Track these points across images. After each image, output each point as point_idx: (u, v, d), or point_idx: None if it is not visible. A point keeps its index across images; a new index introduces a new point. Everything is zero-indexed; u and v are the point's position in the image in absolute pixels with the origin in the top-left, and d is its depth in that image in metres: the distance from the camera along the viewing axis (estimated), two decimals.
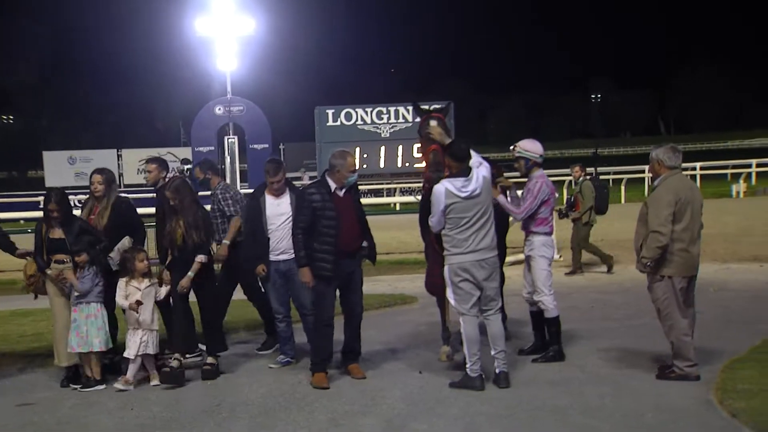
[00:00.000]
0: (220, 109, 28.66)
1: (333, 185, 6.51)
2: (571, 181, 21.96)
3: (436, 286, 6.93)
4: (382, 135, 18.40)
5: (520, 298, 8.36)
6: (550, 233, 7.12)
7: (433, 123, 6.88)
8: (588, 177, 13.14)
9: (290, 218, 6.87)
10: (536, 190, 6.99)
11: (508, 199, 7.09)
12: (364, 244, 6.61)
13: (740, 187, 29.28)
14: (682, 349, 6.24)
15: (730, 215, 19.24)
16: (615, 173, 37.97)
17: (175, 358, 6.74)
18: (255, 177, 25.96)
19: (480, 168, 6.35)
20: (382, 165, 18.17)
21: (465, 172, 6.30)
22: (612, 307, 9.77)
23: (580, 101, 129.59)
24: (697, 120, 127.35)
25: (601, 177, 33.32)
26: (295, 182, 7.47)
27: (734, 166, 36.58)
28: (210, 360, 6.99)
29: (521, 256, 7.68)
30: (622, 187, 30.49)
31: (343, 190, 6.53)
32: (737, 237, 15.37)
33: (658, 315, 6.38)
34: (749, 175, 33.85)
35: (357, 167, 6.59)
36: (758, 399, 5.48)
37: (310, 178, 41.20)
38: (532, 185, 7.03)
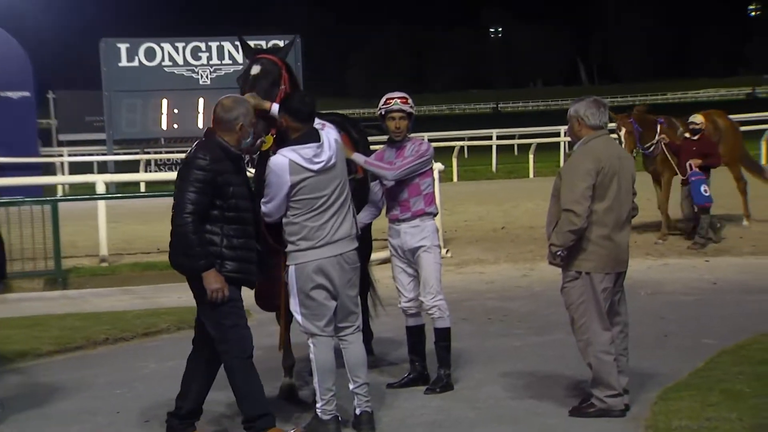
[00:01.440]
0: None
1: (231, 148, 6.08)
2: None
3: (269, 297, 6.86)
4: (201, 82, 17.92)
5: (390, 309, 8.42)
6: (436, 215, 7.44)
7: (255, 70, 6.81)
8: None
9: None
10: (424, 149, 7.25)
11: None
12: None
13: None
14: (602, 373, 6.41)
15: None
16: (521, 136, 39.41)
17: None
18: (11, 139, 24.93)
19: (326, 129, 6.38)
20: (200, 124, 17.72)
21: (313, 135, 6.28)
22: (515, 318, 10.09)
23: (473, 39, 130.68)
24: (627, 65, 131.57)
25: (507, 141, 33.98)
26: None
27: None
28: None
29: (384, 254, 7.76)
30: (530, 156, 31.62)
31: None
32: (678, 223, 16.20)
33: (572, 326, 6.58)
34: None
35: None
36: None
37: None
38: (416, 145, 7.28)
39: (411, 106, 7.37)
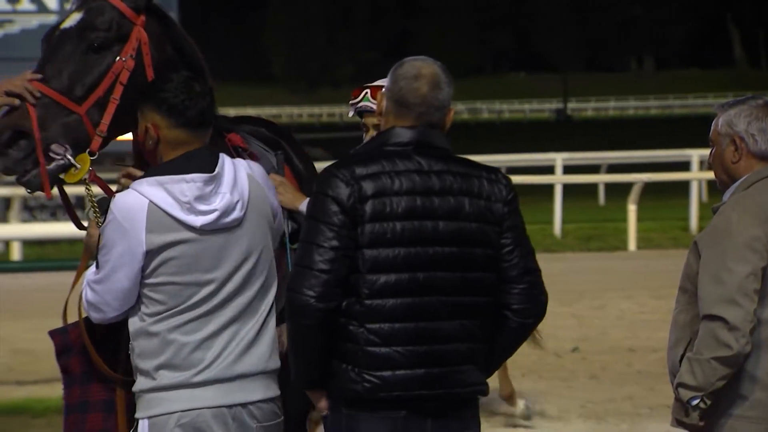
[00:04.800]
0: None
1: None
2: None
3: None
4: None
5: None
6: None
7: (71, 20, 4.68)
8: None
9: None
10: None
11: None
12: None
13: None
14: None
15: None
16: (612, 167, 24.03)
17: None
18: None
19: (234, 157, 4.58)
20: None
21: (202, 159, 4.36)
22: None
23: None
24: None
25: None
26: None
27: None
28: None
29: None
30: (630, 207, 17.12)
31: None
32: None
33: None
34: None
35: None
36: None
37: None
38: None
39: None
